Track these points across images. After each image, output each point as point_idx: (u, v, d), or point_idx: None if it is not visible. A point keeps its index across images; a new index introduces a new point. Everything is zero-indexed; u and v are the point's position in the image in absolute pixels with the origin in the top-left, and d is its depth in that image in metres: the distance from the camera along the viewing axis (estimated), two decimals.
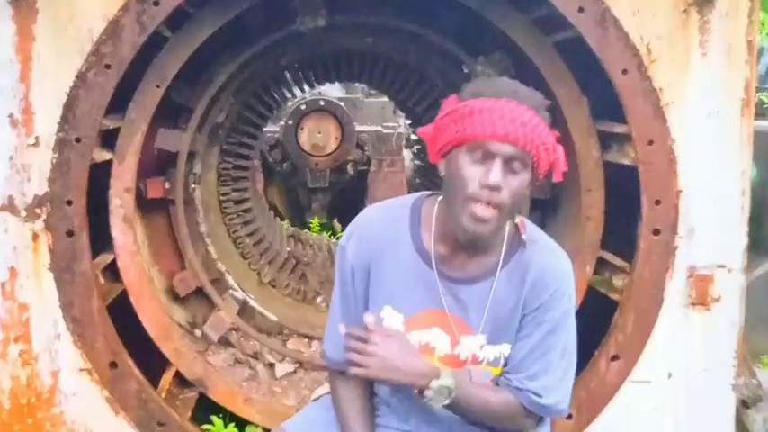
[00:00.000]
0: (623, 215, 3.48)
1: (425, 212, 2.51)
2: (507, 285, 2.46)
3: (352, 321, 2.55)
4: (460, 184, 2.29)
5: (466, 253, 2.45)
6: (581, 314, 3.54)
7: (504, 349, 2.49)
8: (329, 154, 6.98)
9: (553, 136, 2.35)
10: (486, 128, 2.25)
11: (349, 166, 7.52)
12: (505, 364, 2.51)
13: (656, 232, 3.35)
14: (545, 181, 2.45)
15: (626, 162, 3.40)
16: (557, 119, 3.55)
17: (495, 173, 2.24)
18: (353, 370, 2.42)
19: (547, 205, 4.09)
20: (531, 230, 2.51)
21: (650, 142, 3.29)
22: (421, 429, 2.59)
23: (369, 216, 2.62)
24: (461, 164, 2.30)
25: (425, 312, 2.49)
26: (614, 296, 3.49)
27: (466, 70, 3.76)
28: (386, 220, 2.55)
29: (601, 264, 3.60)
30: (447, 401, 2.38)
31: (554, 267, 2.48)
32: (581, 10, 3.21)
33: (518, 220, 2.49)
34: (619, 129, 3.38)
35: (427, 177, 5.99)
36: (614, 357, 3.44)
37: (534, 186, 2.41)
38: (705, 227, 3.35)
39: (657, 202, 3.33)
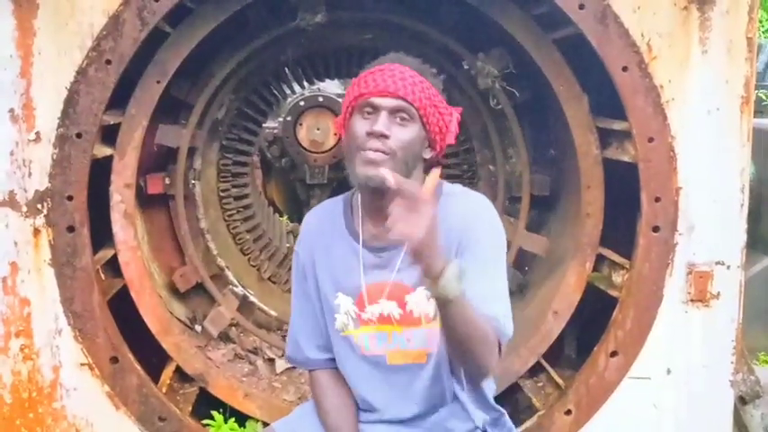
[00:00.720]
0: (623, 212, 3.48)
1: (355, 200, 2.63)
2: None
3: (312, 322, 2.70)
4: (353, 139, 2.45)
5: (386, 222, 2.40)
6: (581, 311, 3.59)
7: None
8: (328, 150, 6.95)
9: (444, 100, 2.51)
10: (369, 85, 2.44)
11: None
12: None
13: (656, 229, 3.36)
14: (442, 147, 2.52)
15: (626, 159, 3.41)
16: (557, 115, 3.58)
17: (380, 122, 2.40)
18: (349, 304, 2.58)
19: (546, 202, 4.10)
20: (448, 187, 2.62)
21: (650, 139, 3.30)
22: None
23: (310, 216, 2.79)
24: (353, 123, 2.46)
25: (368, 287, 2.57)
26: (613, 293, 3.50)
27: (466, 66, 3.76)
28: (323, 215, 2.71)
29: (600, 260, 3.61)
30: (457, 294, 2.27)
31: (468, 207, 2.54)
32: (581, 7, 3.22)
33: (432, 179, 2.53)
34: (619, 126, 3.39)
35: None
36: (613, 354, 3.45)
37: (433, 148, 2.51)
38: (704, 224, 3.36)
39: (657, 199, 3.34)
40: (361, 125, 2.43)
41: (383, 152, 2.39)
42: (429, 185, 2.46)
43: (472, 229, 2.48)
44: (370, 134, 2.40)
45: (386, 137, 2.39)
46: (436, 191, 2.55)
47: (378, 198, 2.47)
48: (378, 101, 2.42)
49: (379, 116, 2.41)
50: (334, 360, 2.72)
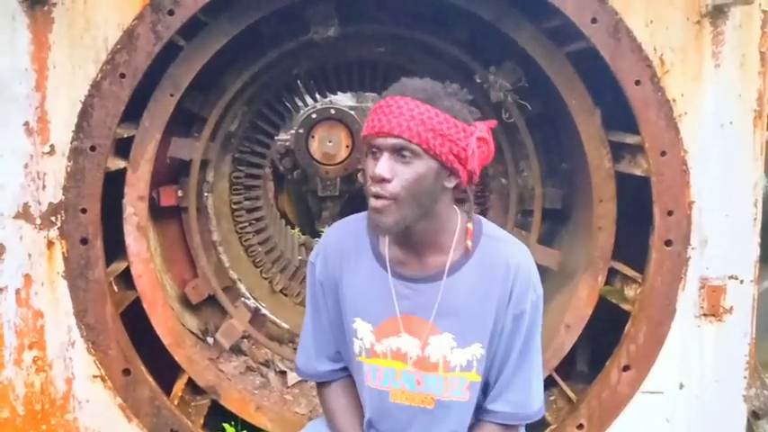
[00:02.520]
0: (635, 226, 3.48)
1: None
2: (470, 282, 2.47)
3: (325, 336, 2.68)
4: (365, 181, 2.41)
5: (416, 252, 2.49)
6: (593, 324, 3.58)
7: (475, 351, 2.49)
8: (340, 162, 6.97)
9: (458, 123, 2.37)
10: (368, 126, 2.37)
11: (359, 175, 7.52)
12: (482, 370, 2.51)
13: (669, 243, 3.36)
14: (470, 171, 2.43)
15: (638, 173, 3.41)
16: (569, 129, 3.58)
17: (380, 165, 2.33)
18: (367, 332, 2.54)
19: (558, 216, 4.10)
20: (488, 227, 2.56)
21: (663, 153, 3.30)
22: None
23: (332, 231, 2.71)
24: (366, 163, 2.41)
25: (392, 319, 2.53)
26: (626, 306, 3.49)
27: (478, 80, 3.76)
28: (348, 233, 2.63)
29: (612, 274, 3.60)
30: None
31: (514, 254, 2.50)
32: (594, 21, 3.22)
33: (469, 216, 2.51)
34: (631, 139, 3.39)
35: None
36: (626, 368, 3.44)
37: (456, 175, 2.41)
38: (717, 238, 3.35)
39: (670, 213, 3.33)
40: (370, 167, 2.37)
41: (384, 198, 2.33)
42: None
43: (519, 295, 2.46)
44: (372, 178, 2.35)
45: (386, 181, 2.33)
46: (475, 229, 2.51)
47: (404, 230, 2.43)
48: (379, 141, 2.35)
49: (380, 158, 2.35)
50: (343, 370, 2.73)
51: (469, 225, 2.49)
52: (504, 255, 2.48)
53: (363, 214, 2.63)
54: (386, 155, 2.34)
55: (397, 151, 2.33)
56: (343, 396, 2.71)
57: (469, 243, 2.47)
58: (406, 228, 2.39)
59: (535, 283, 2.51)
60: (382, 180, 2.32)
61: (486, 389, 2.57)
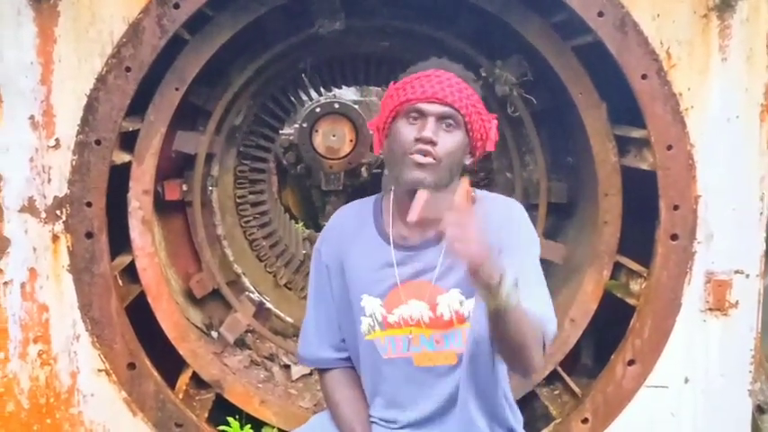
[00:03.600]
0: (641, 220, 3.47)
1: (386, 202, 2.65)
2: None
3: (329, 324, 2.72)
4: (399, 143, 2.47)
5: (420, 226, 2.49)
6: (598, 319, 3.57)
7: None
8: (343, 156, 6.97)
9: (485, 107, 2.55)
10: (416, 91, 2.46)
11: (363, 169, 7.52)
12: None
13: (675, 237, 3.35)
14: (481, 153, 2.57)
15: (644, 167, 3.40)
16: (575, 123, 3.58)
17: (428, 127, 2.43)
18: (376, 306, 2.58)
19: (564, 210, 4.09)
20: (480, 193, 2.63)
21: (669, 147, 3.29)
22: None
23: (336, 215, 2.80)
24: (400, 128, 2.48)
25: (396, 289, 2.58)
26: (631, 301, 3.49)
27: (484, 74, 3.75)
28: (352, 215, 2.72)
29: (618, 268, 3.60)
30: (516, 301, 2.25)
31: (501, 209, 2.56)
32: (600, 14, 3.21)
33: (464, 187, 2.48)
34: (637, 133, 3.39)
35: None
36: (631, 362, 3.44)
37: (473, 155, 2.54)
38: (723, 232, 3.35)
39: (676, 207, 3.33)
40: (408, 130, 2.46)
41: (431, 156, 2.42)
42: (462, 195, 2.32)
43: (512, 234, 2.50)
44: (419, 140, 2.43)
45: (434, 143, 2.42)
46: (472, 198, 2.55)
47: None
48: (425, 107, 2.44)
49: (427, 122, 2.44)
50: (345, 360, 2.75)
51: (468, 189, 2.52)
52: (495, 210, 2.53)
53: (367, 199, 2.74)
54: (432, 120, 2.44)
55: (444, 119, 2.45)
56: (347, 386, 2.73)
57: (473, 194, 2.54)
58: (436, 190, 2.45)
59: (527, 224, 2.58)
60: (430, 142, 2.42)
61: None
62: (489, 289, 2.18)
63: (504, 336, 2.32)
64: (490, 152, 4.17)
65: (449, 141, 2.45)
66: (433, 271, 2.54)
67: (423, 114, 2.45)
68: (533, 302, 2.40)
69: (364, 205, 2.72)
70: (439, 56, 3.48)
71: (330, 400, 2.75)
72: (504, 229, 2.49)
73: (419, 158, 2.43)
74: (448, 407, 2.59)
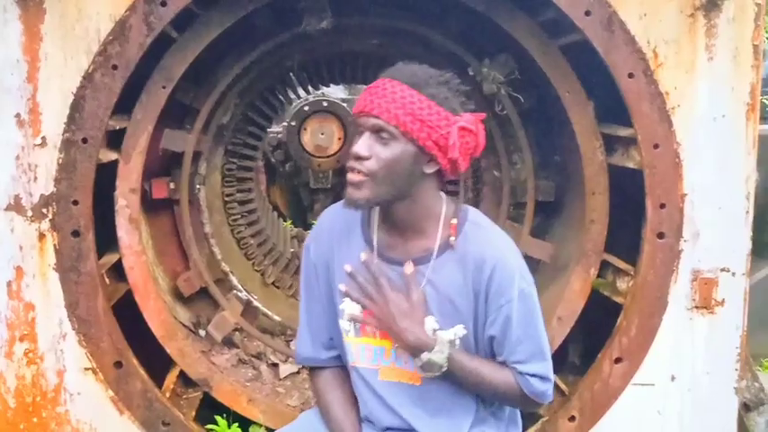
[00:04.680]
0: (628, 218, 3.48)
1: (373, 208, 2.62)
2: (450, 270, 2.52)
3: (318, 322, 2.73)
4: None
5: (400, 236, 2.55)
6: (585, 317, 3.58)
7: (457, 331, 2.53)
8: (332, 155, 6.94)
9: (442, 111, 2.41)
10: (356, 104, 2.47)
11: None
12: (466, 349, 2.56)
13: (661, 236, 3.36)
14: (446, 157, 2.45)
15: (631, 165, 3.41)
16: (562, 121, 3.58)
17: (359, 143, 2.42)
18: (356, 311, 2.60)
19: (551, 208, 4.10)
20: (474, 216, 2.60)
21: (656, 146, 3.30)
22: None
23: (326, 214, 2.78)
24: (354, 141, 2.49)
25: None
26: (618, 299, 3.50)
27: (471, 72, 3.76)
28: (340, 216, 2.68)
29: (605, 267, 3.61)
30: (437, 374, 2.49)
31: (493, 247, 2.53)
32: (587, 13, 3.22)
33: (456, 207, 2.57)
34: (624, 132, 3.40)
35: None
36: (618, 360, 3.45)
37: (433, 162, 2.45)
38: (709, 231, 3.36)
39: (662, 206, 3.34)
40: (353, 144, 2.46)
41: (362, 174, 2.40)
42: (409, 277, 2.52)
43: (487, 271, 2.48)
44: (351, 155, 2.43)
45: (363, 158, 2.39)
46: (460, 217, 2.55)
47: (386, 210, 2.52)
48: (361, 120, 2.44)
49: (362, 136, 2.43)
50: (336, 358, 2.75)
51: (454, 221, 2.53)
52: (482, 249, 2.51)
53: None
54: (366, 134, 2.42)
55: (377, 131, 2.40)
56: (338, 387, 2.73)
57: (452, 239, 2.51)
58: (378, 206, 2.50)
59: (522, 273, 2.54)
60: (359, 157, 2.40)
61: None
62: (409, 352, 2.49)
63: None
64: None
65: (384, 153, 2.39)
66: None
67: (361, 127, 2.45)
68: (523, 361, 2.52)
69: None
70: (425, 55, 3.50)
71: (321, 401, 2.76)
72: (497, 274, 2.49)
73: (350, 177, 2.43)
74: (408, 423, 2.62)
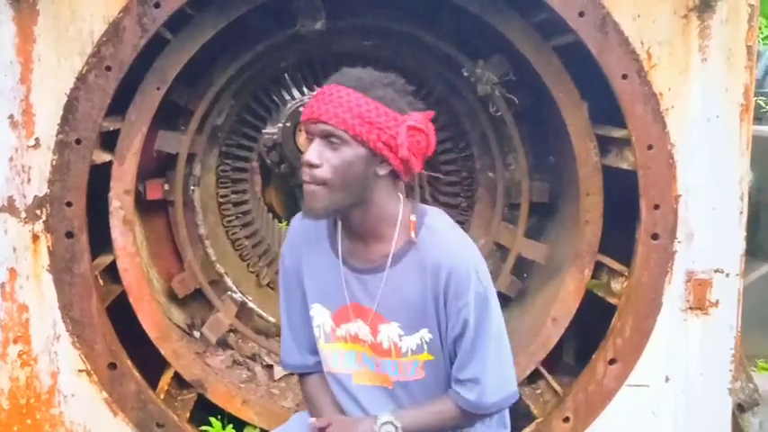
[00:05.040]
0: (622, 219, 3.48)
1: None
2: (408, 274, 2.51)
3: (299, 328, 2.72)
4: None
5: (361, 242, 2.54)
6: (579, 318, 3.59)
7: (423, 335, 2.53)
8: None
9: (390, 112, 2.40)
10: (304, 111, 2.44)
11: None
12: (433, 352, 2.55)
13: (655, 237, 3.37)
14: (397, 158, 2.42)
15: (625, 166, 3.41)
16: (557, 122, 3.58)
17: (310, 151, 2.40)
18: (325, 317, 2.62)
19: (545, 209, 4.10)
20: (433, 218, 2.57)
21: (649, 147, 3.30)
22: None
23: (295, 221, 2.76)
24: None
25: (346, 307, 2.58)
26: (612, 300, 3.50)
27: (465, 73, 3.76)
28: (309, 223, 2.64)
29: (599, 268, 3.61)
30: None
31: (448, 251, 2.50)
32: (581, 14, 3.22)
33: (413, 207, 2.55)
34: (618, 133, 3.40)
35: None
36: (612, 361, 3.45)
37: (385, 163, 2.43)
38: (703, 231, 3.37)
39: (656, 207, 3.34)
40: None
41: (314, 182, 2.38)
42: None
43: (443, 276, 2.46)
44: (303, 164, 2.41)
45: (314, 166, 2.38)
46: (418, 219, 2.53)
47: (345, 217, 2.50)
48: (310, 127, 2.42)
49: (313, 143, 2.41)
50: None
51: (413, 217, 2.52)
52: (437, 254, 2.49)
53: None
54: (317, 140, 2.40)
55: (326, 137, 2.38)
56: (328, 391, 2.73)
57: (413, 234, 2.50)
58: (338, 213, 2.48)
59: (480, 276, 2.50)
60: (311, 165, 2.38)
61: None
62: None
63: None
64: (472, 152, 4.22)
65: (334, 159, 2.37)
66: (375, 298, 2.54)
67: (311, 134, 2.43)
68: (476, 373, 2.51)
69: None
70: (419, 56, 3.50)
71: (312, 406, 2.76)
72: (453, 279, 2.46)
73: (306, 188, 2.41)
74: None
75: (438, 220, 2.58)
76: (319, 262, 2.61)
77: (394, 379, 2.58)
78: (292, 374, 3.94)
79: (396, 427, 2.49)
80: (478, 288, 2.48)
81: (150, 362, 3.54)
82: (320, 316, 2.62)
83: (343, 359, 2.62)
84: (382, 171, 2.44)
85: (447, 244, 2.52)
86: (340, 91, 2.39)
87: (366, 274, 2.54)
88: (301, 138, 6.75)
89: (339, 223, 2.57)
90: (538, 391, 3.72)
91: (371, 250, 2.53)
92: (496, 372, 2.55)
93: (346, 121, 2.36)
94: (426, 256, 2.48)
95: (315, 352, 2.72)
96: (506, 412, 2.77)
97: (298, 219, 2.74)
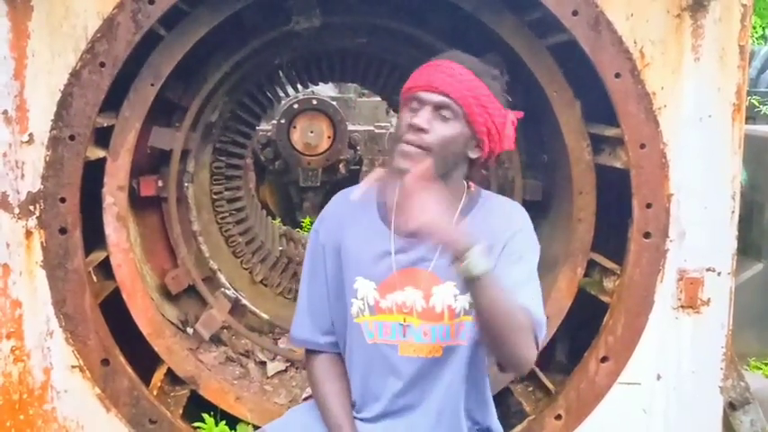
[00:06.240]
0: (614, 218, 3.49)
1: (391, 187, 2.62)
2: (467, 227, 2.53)
3: (320, 305, 2.73)
4: (396, 129, 2.53)
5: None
6: (572, 316, 3.60)
7: None
8: (321, 153, 6.98)
9: (497, 102, 2.53)
10: (417, 79, 2.52)
11: (341, 166, 7.52)
12: None
13: (647, 235, 3.37)
14: (495, 149, 2.55)
15: (618, 165, 3.42)
16: (550, 121, 3.59)
17: (421, 116, 2.46)
18: (369, 289, 2.60)
19: (538, 207, 4.10)
20: (487, 192, 2.71)
21: (642, 146, 3.31)
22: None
23: (337, 197, 2.81)
24: (401, 115, 2.55)
25: (395, 275, 2.59)
26: (605, 298, 3.51)
27: None
28: (351, 201, 2.65)
29: (592, 266, 3.62)
30: (484, 271, 2.29)
31: (509, 211, 2.64)
32: (575, 13, 3.23)
33: (471, 185, 2.66)
34: (611, 132, 3.40)
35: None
36: (604, 359, 3.46)
37: (481, 147, 2.53)
38: (695, 230, 3.37)
39: (648, 206, 3.35)
40: (405, 117, 2.49)
41: (419, 146, 2.43)
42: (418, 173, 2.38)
43: (511, 238, 2.53)
44: (410, 127, 2.45)
45: (424, 131, 2.44)
46: (474, 194, 2.63)
47: None
48: (423, 95, 2.47)
49: (422, 110, 2.46)
50: (334, 344, 2.75)
51: (473, 190, 2.65)
52: (499, 208, 2.62)
53: None
54: (428, 108, 2.47)
55: (439, 108, 2.46)
56: (336, 377, 2.73)
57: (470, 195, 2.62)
58: None
59: (530, 228, 2.63)
60: (420, 129, 2.44)
61: None
62: (454, 255, 2.29)
63: (480, 313, 2.37)
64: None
65: (443, 130, 2.45)
66: (431, 260, 2.56)
67: (421, 103, 2.48)
68: (524, 291, 2.48)
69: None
70: (414, 53, 3.50)
71: (317, 389, 2.75)
72: (504, 230, 2.53)
73: (405, 148, 2.45)
74: (419, 400, 2.62)
75: (489, 192, 2.73)
76: (364, 236, 2.63)
77: (444, 344, 2.58)
78: (285, 371, 3.96)
79: (486, 268, 2.30)
80: (530, 242, 2.59)
81: (143, 358, 3.55)
82: (364, 289, 2.61)
83: (389, 330, 2.61)
84: (473, 154, 2.55)
85: (502, 205, 2.67)
86: (457, 68, 2.49)
87: (419, 238, 2.46)
88: (295, 135, 6.80)
89: (394, 197, 2.55)
90: (530, 389, 3.73)
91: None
92: (542, 305, 2.58)
93: (465, 97, 2.46)
94: (486, 211, 2.58)
95: (328, 332, 2.74)
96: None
97: (338, 195, 2.80)
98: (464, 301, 2.55)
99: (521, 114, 2.62)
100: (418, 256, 2.57)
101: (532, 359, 2.46)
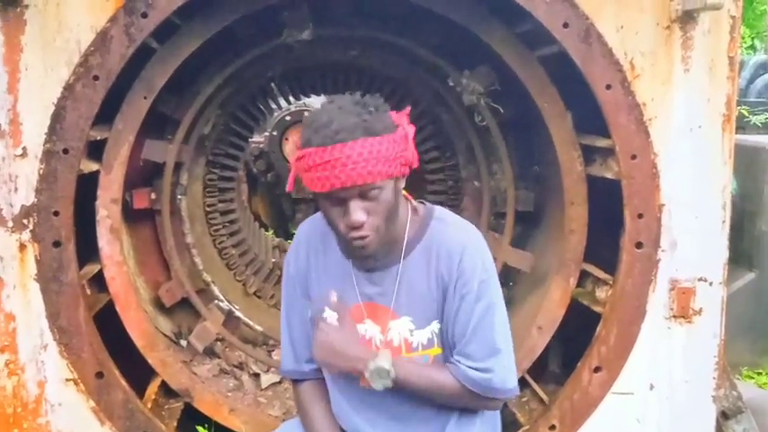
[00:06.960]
0: (606, 228, 3.51)
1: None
2: (419, 265, 2.57)
3: (295, 335, 2.78)
4: (332, 225, 2.48)
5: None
6: (565, 326, 3.60)
7: (433, 328, 2.60)
8: None
9: (394, 133, 2.43)
10: (325, 183, 2.36)
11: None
12: (443, 344, 2.61)
13: (639, 245, 3.39)
14: (412, 165, 2.53)
15: (609, 176, 3.43)
16: (541, 132, 3.61)
17: (353, 214, 2.39)
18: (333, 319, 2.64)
19: (530, 218, 4.13)
20: (439, 213, 2.66)
21: (633, 156, 3.33)
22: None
23: (302, 228, 2.81)
24: (325, 209, 2.47)
25: (356, 307, 2.63)
26: (597, 308, 3.52)
27: (451, 83, 3.79)
28: (317, 227, 2.71)
29: (584, 276, 3.63)
30: (388, 382, 2.50)
31: (457, 239, 2.58)
32: (566, 25, 3.24)
33: (415, 204, 2.66)
34: (602, 143, 3.42)
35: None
36: (597, 369, 3.47)
37: (404, 176, 2.52)
38: (687, 240, 3.38)
39: (640, 216, 3.36)
40: (335, 214, 2.43)
41: (367, 236, 2.42)
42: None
43: (453, 263, 2.53)
44: (349, 228, 2.41)
45: (364, 223, 2.40)
46: (426, 214, 2.62)
47: None
48: (342, 194, 2.38)
49: (350, 206, 2.39)
50: (319, 371, 2.78)
51: (419, 207, 2.65)
52: (450, 239, 2.57)
53: None
54: (354, 201, 2.39)
55: (363, 195, 2.39)
56: (321, 399, 2.77)
57: (415, 230, 2.60)
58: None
59: (485, 264, 2.57)
60: (361, 224, 2.40)
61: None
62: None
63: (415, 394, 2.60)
64: (458, 161, 4.25)
65: (379, 207, 2.41)
66: (390, 295, 2.59)
67: (343, 199, 2.39)
68: (479, 355, 2.54)
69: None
70: (405, 66, 3.50)
71: (303, 413, 2.79)
72: (460, 264, 2.53)
73: (357, 243, 2.44)
74: (393, 425, 2.67)
75: (446, 214, 2.68)
76: (329, 268, 2.66)
77: (378, 388, 2.58)
78: (279, 383, 3.97)
79: (388, 374, 2.49)
80: (483, 276, 2.55)
81: (137, 371, 3.54)
82: (331, 319, 2.64)
83: None
84: (402, 184, 2.53)
85: (459, 230, 2.61)
86: (352, 147, 2.34)
87: (378, 271, 2.59)
88: (287, 147, 6.80)
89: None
90: (524, 399, 3.73)
91: (385, 248, 2.55)
92: (508, 360, 2.62)
93: (381, 171, 2.37)
94: (438, 243, 2.55)
95: (309, 359, 2.75)
96: (498, 420, 2.79)
97: (306, 224, 2.79)
98: (421, 336, 2.59)
99: (408, 110, 2.55)
100: (377, 291, 2.61)
101: (495, 405, 2.68)
